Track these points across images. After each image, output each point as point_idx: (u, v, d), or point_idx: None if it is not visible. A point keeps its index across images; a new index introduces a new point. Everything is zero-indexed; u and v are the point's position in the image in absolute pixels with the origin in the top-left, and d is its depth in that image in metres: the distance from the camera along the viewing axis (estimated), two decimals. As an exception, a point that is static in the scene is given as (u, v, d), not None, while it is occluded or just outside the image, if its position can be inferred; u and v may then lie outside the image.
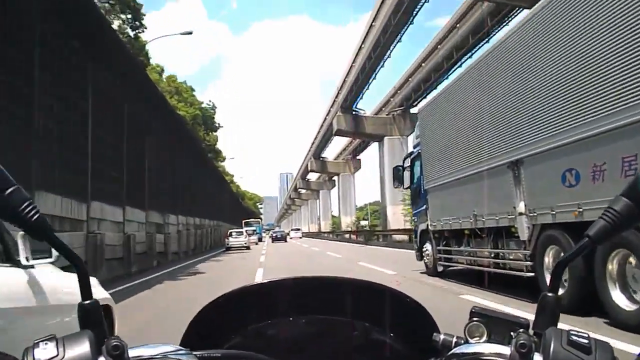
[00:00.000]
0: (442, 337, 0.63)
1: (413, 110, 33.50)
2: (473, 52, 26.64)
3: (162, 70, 36.09)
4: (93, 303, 0.57)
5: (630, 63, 4.47)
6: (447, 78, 28.06)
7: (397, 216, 34.98)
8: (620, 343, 3.67)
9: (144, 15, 24.85)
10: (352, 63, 37.76)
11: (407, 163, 11.05)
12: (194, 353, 0.60)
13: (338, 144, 67.15)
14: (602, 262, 4.92)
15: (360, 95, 39.19)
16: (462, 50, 27.67)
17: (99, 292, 2.85)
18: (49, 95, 9.51)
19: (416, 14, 27.10)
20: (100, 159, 12.17)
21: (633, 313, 4.60)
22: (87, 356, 0.51)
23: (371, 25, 31.58)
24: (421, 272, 10.17)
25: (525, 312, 3.56)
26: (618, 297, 4.79)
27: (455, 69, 28.54)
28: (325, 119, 54.08)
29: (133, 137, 15.24)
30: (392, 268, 11.61)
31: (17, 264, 2.19)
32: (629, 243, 4.62)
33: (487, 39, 24.43)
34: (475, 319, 0.61)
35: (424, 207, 9.97)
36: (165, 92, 28.05)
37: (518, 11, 21.66)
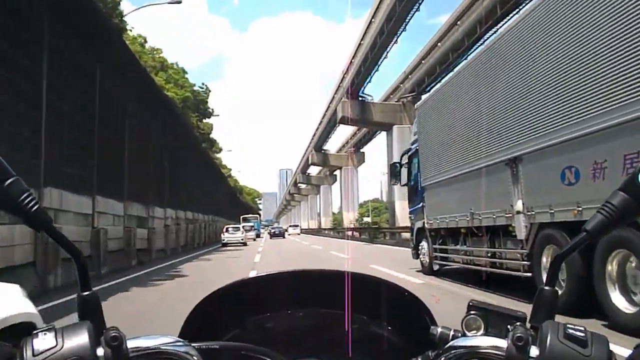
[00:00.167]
0: (439, 330, 0.63)
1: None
2: (500, 25, 21.16)
3: (145, 42, 32.27)
4: (92, 294, 0.57)
5: (634, 57, 4.31)
6: (466, 58, 19.74)
7: (406, 212, 32.75)
8: (619, 348, 3.52)
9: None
10: (361, 40, 33.35)
11: (405, 160, 10.93)
12: (193, 345, 0.59)
13: (341, 135, 65.24)
14: (601, 262, 4.78)
15: (369, 78, 35.09)
16: (487, 25, 22.74)
17: (22, 305, 2.09)
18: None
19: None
20: (59, 137, 10.00)
21: (632, 316, 4.46)
22: (85, 347, 0.51)
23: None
24: (417, 271, 10.05)
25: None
26: (617, 299, 4.66)
27: (478, 46, 21.50)
28: (329, 107, 50.63)
29: (108, 115, 13.05)
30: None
31: None
32: (630, 243, 4.48)
33: (516, 10, 20.57)
34: (472, 312, 0.61)
35: (421, 204, 9.85)
36: (148, 67, 25.44)
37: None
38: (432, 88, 27.15)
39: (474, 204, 7.51)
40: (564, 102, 5.26)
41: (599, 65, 4.72)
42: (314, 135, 64.83)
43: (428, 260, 9.66)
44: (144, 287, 9.92)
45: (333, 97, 47.95)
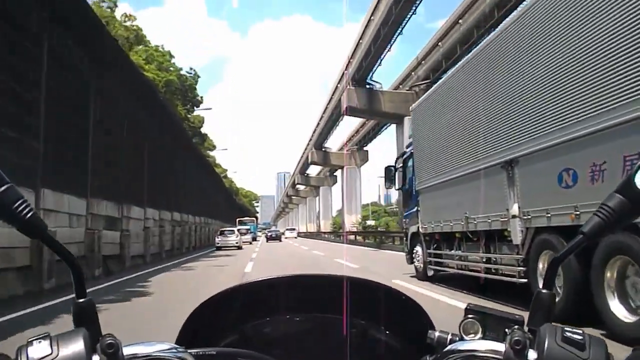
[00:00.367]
0: (437, 334, 0.63)
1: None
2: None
3: (115, 5, 28.18)
4: (87, 301, 0.56)
5: (634, 53, 4.13)
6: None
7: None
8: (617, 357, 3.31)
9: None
10: (370, 16, 29.63)
11: (400, 163, 10.76)
12: (190, 351, 0.58)
13: (343, 133, 61.58)
14: (599, 269, 4.58)
15: (379, 61, 31.44)
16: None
17: None
18: None
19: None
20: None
21: (632, 325, 4.26)
22: (81, 354, 0.50)
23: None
24: (411, 276, 9.84)
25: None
26: (616, 307, 4.46)
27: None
28: (331, 98, 46.37)
29: (61, 86, 10.47)
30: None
31: None
32: (629, 249, 4.29)
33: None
34: (470, 316, 0.60)
35: (415, 208, 9.67)
36: (119, 37, 22.20)
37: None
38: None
39: (469, 208, 7.32)
40: (561, 102, 5.07)
41: (598, 64, 4.54)
42: (314, 131, 61.14)
43: (422, 266, 9.47)
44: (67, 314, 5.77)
45: (336, 88, 43.65)
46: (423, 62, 31.18)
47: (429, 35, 30.09)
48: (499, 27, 6.69)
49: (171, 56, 32.76)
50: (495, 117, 6.50)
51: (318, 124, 57.00)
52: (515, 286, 6.13)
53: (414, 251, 9.91)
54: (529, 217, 5.72)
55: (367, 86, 32.91)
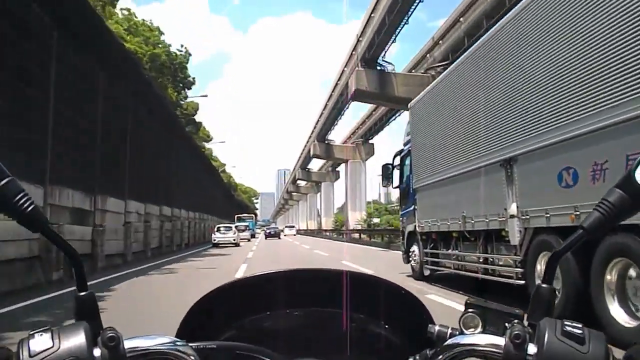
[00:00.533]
0: (437, 328, 0.63)
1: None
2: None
3: None
4: (88, 294, 0.57)
5: (638, 49, 3.96)
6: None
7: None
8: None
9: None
10: None
11: (397, 161, 10.61)
12: (190, 344, 0.58)
13: (347, 124, 57.98)
14: (599, 271, 4.43)
15: (393, 38, 28.11)
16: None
17: None
18: None
19: None
20: None
21: (633, 330, 4.11)
22: (82, 347, 0.51)
23: None
24: (407, 276, 9.70)
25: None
26: (616, 311, 4.31)
27: None
28: (337, 84, 41.91)
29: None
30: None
31: None
32: (630, 252, 4.14)
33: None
34: (470, 310, 0.61)
35: (412, 207, 9.52)
36: None
37: None
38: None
39: (466, 207, 7.18)
40: (562, 99, 4.91)
41: (600, 60, 4.37)
42: (317, 122, 56.23)
43: (419, 265, 9.32)
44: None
45: (342, 72, 38.75)
46: (440, 42, 27.86)
47: (450, 6, 25.90)
48: (499, 22, 6.51)
49: (161, 32, 28.96)
50: (494, 114, 6.34)
51: (321, 113, 52.68)
52: (513, 288, 5.99)
53: (411, 250, 9.77)
54: (528, 217, 5.57)
55: (378, 68, 28.92)
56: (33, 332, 0.52)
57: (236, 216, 49.09)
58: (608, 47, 4.28)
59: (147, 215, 18.58)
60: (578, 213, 4.59)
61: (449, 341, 0.59)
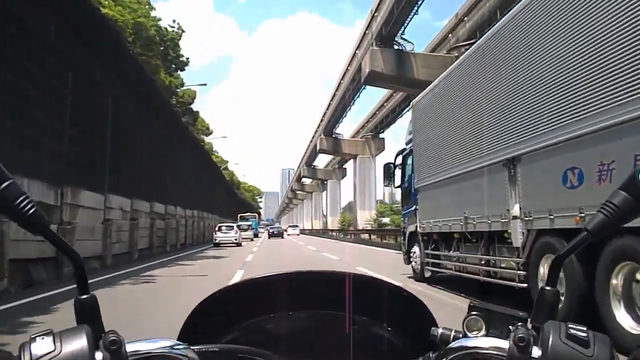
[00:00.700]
0: (440, 331, 0.63)
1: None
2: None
3: None
4: (90, 298, 0.57)
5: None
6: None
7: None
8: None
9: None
10: None
11: (399, 160, 10.46)
12: (192, 347, 0.58)
13: (356, 118, 58.26)
14: (605, 275, 4.26)
15: (413, 11, 25.33)
16: None
17: None
18: None
19: None
20: None
21: (639, 337, 3.94)
22: (84, 351, 0.51)
23: None
24: (408, 277, 9.54)
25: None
26: (622, 317, 4.14)
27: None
28: (346, 70, 38.20)
29: None
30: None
31: None
32: (637, 255, 3.99)
33: None
34: (473, 312, 0.61)
35: (414, 207, 9.37)
36: None
37: None
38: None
39: (468, 208, 7.01)
40: (567, 96, 4.74)
41: (607, 56, 4.21)
42: (324, 114, 52.69)
43: (419, 267, 9.17)
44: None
45: (354, 54, 35.29)
46: (465, 19, 25.49)
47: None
48: (503, 18, 6.34)
49: (151, 7, 25.48)
50: (497, 113, 6.18)
51: (329, 104, 49.08)
52: (515, 291, 5.82)
53: (412, 251, 9.62)
54: (531, 218, 5.40)
55: (396, 47, 25.79)
56: (34, 335, 0.51)
57: (239, 215, 48.73)
58: (616, 41, 4.11)
59: (134, 212, 16.40)
60: (583, 215, 4.43)
61: (453, 344, 0.58)
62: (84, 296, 0.57)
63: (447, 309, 5.93)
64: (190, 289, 8.26)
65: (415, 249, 9.40)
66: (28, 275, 9.11)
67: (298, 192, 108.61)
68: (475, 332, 0.60)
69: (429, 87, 9.18)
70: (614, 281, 4.22)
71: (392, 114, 46.39)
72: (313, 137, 64.80)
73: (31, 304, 7.09)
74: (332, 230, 55.09)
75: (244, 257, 16.95)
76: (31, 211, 0.54)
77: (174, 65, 27.73)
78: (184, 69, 28.91)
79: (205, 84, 35.25)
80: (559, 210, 4.84)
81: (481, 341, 0.57)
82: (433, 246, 8.68)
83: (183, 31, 27.50)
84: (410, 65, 25.38)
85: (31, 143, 9.48)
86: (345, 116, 49.98)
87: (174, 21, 27.04)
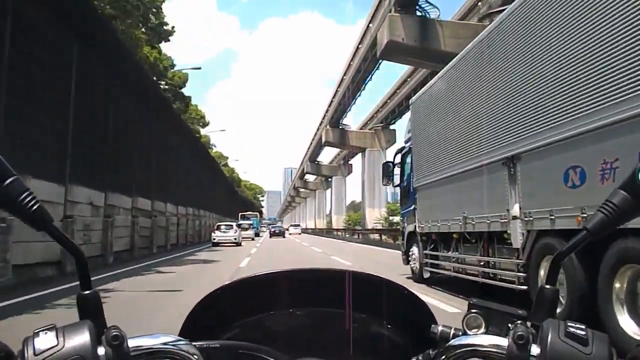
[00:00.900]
0: (440, 328, 0.63)
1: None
2: None
3: None
4: (92, 293, 0.57)
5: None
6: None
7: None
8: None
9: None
10: None
11: (398, 159, 10.30)
12: (193, 343, 0.59)
13: (365, 108, 53.97)
14: (607, 279, 4.09)
15: None
16: None
17: None
18: None
19: None
20: None
21: (643, 343, 3.77)
22: (87, 346, 0.51)
23: None
24: (407, 277, 9.38)
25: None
26: (626, 322, 3.98)
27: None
28: (357, 48, 34.81)
29: None
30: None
31: None
32: (641, 257, 3.80)
33: None
34: (473, 310, 0.61)
35: (413, 207, 9.22)
36: None
37: None
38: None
39: (467, 207, 6.85)
40: (568, 92, 4.57)
41: (609, 51, 4.04)
42: (330, 103, 48.07)
43: (418, 267, 9.01)
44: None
45: (367, 28, 31.67)
46: None
47: None
48: (503, 13, 6.16)
49: None
50: (497, 110, 6.02)
51: (336, 91, 44.18)
52: (515, 293, 5.66)
53: (410, 251, 9.46)
54: (531, 218, 5.23)
55: (418, 13, 22.09)
56: (38, 330, 0.52)
57: (240, 214, 48.37)
58: (620, 34, 3.93)
59: (109, 208, 13.97)
60: (585, 215, 4.26)
61: (452, 341, 0.59)
62: (87, 292, 0.57)
63: (444, 316, 5.76)
64: (142, 319, 5.70)
65: (414, 249, 9.24)
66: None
67: (301, 189, 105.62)
68: (475, 330, 0.60)
69: (427, 84, 9.01)
70: (617, 284, 4.05)
71: (406, 101, 41.40)
72: (318, 129, 60.22)
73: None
74: (338, 230, 51.59)
75: (238, 262, 14.51)
76: (35, 207, 0.54)
77: (156, 35, 23.59)
78: (169, 39, 24.87)
79: (200, 68, 31.11)
80: (560, 210, 4.67)
81: (480, 339, 0.57)
82: (432, 246, 8.52)
83: None
84: (435, 35, 21.84)
85: None
86: (354, 103, 44.86)
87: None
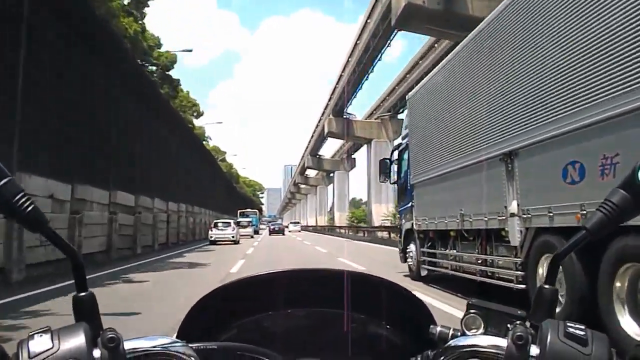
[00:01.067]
0: (438, 329, 0.64)
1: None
2: None
3: None
4: (88, 295, 0.57)
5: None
6: None
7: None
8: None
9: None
10: None
11: (395, 156, 10.17)
12: (190, 345, 0.59)
13: (371, 97, 49.64)
14: (608, 278, 3.97)
15: None
16: None
17: None
18: None
19: None
20: None
21: (645, 344, 3.64)
22: (82, 348, 0.50)
23: None
24: (404, 275, 9.26)
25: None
26: (627, 323, 3.85)
27: None
28: (366, 22, 31.22)
29: None
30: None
31: None
32: (642, 256, 3.67)
33: None
34: (472, 311, 0.61)
35: (410, 204, 9.09)
36: None
37: None
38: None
39: (464, 205, 6.72)
40: (567, 86, 4.43)
41: (607, 42, 3.90)
42: (334, 90, 44.14)
43: (416, 265, 8.89)
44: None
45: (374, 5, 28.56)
46: None
47: None
48: (500, 5, 6.01)
49: None
50: (494, 104, 5.88)
51: (340, 76, 40.21)
52: (513, 292, 5.53)
53: (408, 249, 9.34)
54: (529, 216, 5.10)
55: None
56: (32, 332, 0.51)
57: (239, 211, 48.01)
58: (621, 24, 3.79)
59: (77, 203, 11.91)
60: (584, 212, 4.12)
61: (451, 342, 0.58)
62: (82, 293, 0.57)
63: (441, 315, 5.63)
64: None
65: (412, 247, 9.13)
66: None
67: (302, 185, 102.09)
68: (474, 330, 0.60)
69: (424, 79, 8.88)
70: (617, 284, 3.92)
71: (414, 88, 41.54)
72: (320, 120, 55.55)
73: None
74: (341, 227, 48.53)
75: (229, 267, 12.14)
76: (29, 209, 0.54)
77: (134, 2, 20.44)
78: (148, 4, 21.96)
79: (191, 50, 27.71)
80: (559, 207, 4.54)
81: (479, 339, 0.57)
82: (429, 244, 8.40)
83: None
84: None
85: None
86: (360, 88, 39.63)
87: None
